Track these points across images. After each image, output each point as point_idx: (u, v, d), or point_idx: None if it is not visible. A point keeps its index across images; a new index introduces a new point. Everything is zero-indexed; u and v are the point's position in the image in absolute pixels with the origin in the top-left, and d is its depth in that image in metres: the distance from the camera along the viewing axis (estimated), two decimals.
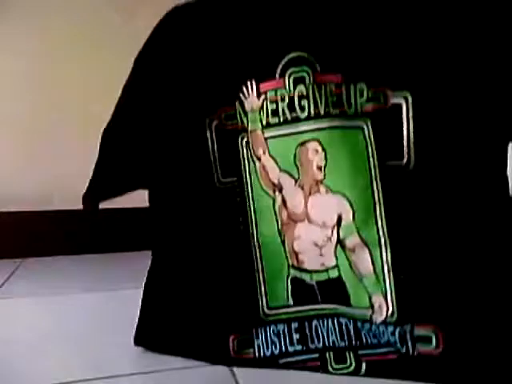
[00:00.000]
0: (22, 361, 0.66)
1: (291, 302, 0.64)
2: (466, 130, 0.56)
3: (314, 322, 0.63)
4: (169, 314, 0.69)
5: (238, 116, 0.64)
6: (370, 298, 0.59)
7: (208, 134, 0.66)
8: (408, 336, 0.58)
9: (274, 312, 0.64)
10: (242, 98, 0.63)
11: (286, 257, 0.63)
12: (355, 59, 0.58)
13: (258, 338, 0.64)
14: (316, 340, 0.62)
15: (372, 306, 0.59)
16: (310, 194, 0.62)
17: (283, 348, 0.63)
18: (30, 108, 1.18)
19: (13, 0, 1.15)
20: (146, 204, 1.26)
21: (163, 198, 0.72)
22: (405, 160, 0.57)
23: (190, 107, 0.67)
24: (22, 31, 1.16)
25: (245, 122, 0.64)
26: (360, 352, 0.61)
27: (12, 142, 1.18)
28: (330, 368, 0.61)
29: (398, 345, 0.58)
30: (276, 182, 0.63)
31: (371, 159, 0.58)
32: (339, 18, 0.60)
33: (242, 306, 0.65)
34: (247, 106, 0.63)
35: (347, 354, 0.61)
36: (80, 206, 1.21)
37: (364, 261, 0.59)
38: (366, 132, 0.58)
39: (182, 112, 0.68)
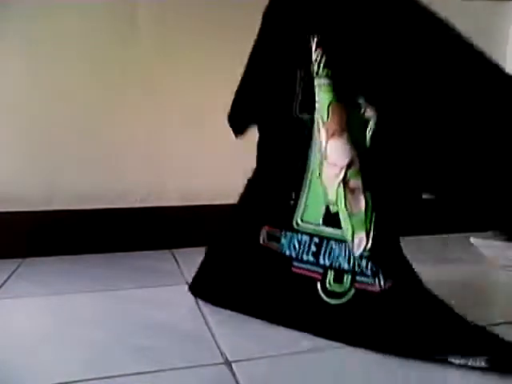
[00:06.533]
0: (22, 361, 0.66)
1: (321, 221, 0.77)
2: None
3: (331, 243, 0.76)
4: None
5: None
6: (352, 234, 0.71)
7: (298, 79, 0.81)
8: (380, 272, 0.68)
9: (304, 225, 0.79)
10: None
11: (323, 186, 0.77)
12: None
13: (284, 237, 0.79)
14: (327, 257, 0.76)
15: (353, 241, 0.71)
16: (331, 136, 0.73)
17: (299, 254, 0.78)
18: (30, 108, 1.18)
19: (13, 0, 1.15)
20: (145, 204, 1.26)
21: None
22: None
23: (288, 59, 0.82)
24: (22, 31, 1.16)
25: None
26: (356, 278, 0.72)
27: (12, 142, 1.18)
28: (327, 284, 0.74)
29: (371, 278, 0.69)
30: (318, 122, 0.76)
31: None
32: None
33: (282, 209, 0.81)
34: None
35: (346, 276, 0.73)
36: (80, 206, 1.22)
37: (358, 201, 0.71)
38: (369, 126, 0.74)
39: (283, 60, 0.83)
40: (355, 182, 0.71)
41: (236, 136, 0.89)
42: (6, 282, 0.99)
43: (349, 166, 0.72)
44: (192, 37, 1.26)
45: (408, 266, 0.71)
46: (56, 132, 1.20)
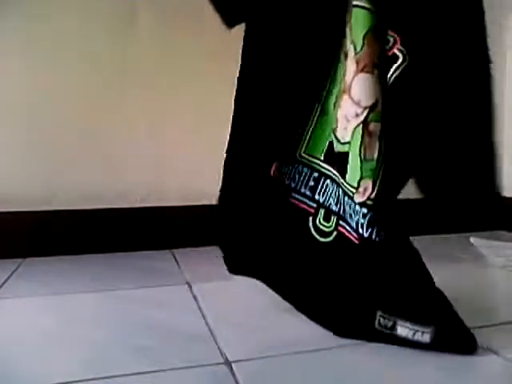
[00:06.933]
0: (22, 361, 0.66)
1: (322, 157, 0.76)
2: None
3: (327, 181, 0.75)
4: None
5: None
6: (359, 180, 0.68)
7: None
8: (376, 223, 0.66)
9: (306, 157, 0.78)
10: None
11: (334, 121, 0.73)
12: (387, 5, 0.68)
13: (286, 166, 0.79)
14: (321, 194, 0.76)
15: (358, 187, 0.68)
16: (361, 70, 0.67)
17: (298, 186, 0.78)
18: (30, 108, 1.18)
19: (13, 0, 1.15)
20: (145, 204, 1.27)
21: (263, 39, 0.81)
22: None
23: None
24: (22, 30, 1.16)
25: None
26: (340, 221, 0.73)
27: (12, 142, 1.18)
28: (317, 221, 0.75)
29: (364, 228, 0.66)
30: (347, 49, 0.69)
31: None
32: None
33: (289, 142, 0.79)
34: None
35: (333, 217, 0.74)
36: (80, 206, 1.22)
37: (373, 147, 0.67)
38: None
39: None
40: (375, 126, 0.66)
41: (229, 27, 0.82)
42: (6, 281, 0.99)
43: (373, 108, 0.66)
44: (192, 37, 1.26)
45: (400, 223, 0.70)
46: (56, 132, 1.20)
